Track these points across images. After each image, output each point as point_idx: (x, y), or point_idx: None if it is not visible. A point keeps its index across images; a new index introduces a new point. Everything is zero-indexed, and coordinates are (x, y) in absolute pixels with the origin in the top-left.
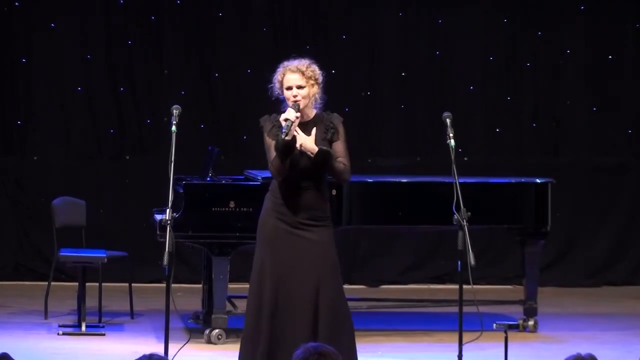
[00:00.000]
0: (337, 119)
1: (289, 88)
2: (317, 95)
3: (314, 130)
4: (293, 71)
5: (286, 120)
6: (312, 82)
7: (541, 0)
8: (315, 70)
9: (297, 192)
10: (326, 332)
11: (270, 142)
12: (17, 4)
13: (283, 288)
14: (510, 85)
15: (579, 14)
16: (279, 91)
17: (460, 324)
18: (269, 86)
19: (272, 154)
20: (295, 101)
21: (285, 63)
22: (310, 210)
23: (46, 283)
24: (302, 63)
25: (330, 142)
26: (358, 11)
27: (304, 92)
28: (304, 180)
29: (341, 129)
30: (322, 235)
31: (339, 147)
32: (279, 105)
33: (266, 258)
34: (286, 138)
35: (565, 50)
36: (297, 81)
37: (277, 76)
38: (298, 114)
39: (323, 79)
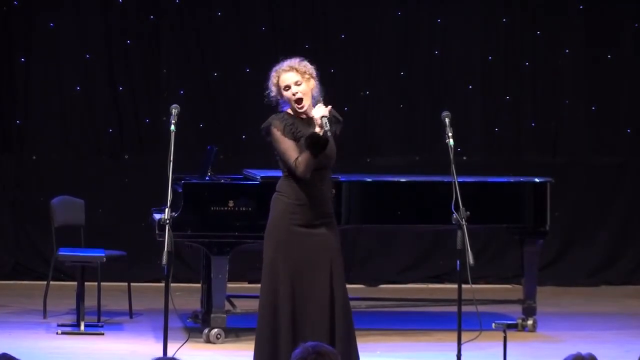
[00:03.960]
0: (335, 113)
1: (287, 88)
2: (314, 91)
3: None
4: (286, 70)
5: (323, 117)
6: (307, 76)
7: (540, 0)
8: (307, 65)
9: (311, 190)
10: (342, 332)
11: (289, 142)
12: (15, 3)
13: (299, 287)
14: (509, 84)
15: (578, 13)
16: (276, 96)
17: (459, 323)
18: (266, 92)
19: (293, 152)
20: (298, 99)
21: (276, 67)
22: (323, 207)
23: (45, 282)
24: (293, 61)
25: (335, 135)
26: (357, 10)
27: (302, 88)
28: (317, 178)
29: (341, 120)
30: (331, 232)
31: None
32: (276, 107)
33: (279, 258)
34: (329, 134)
35: (564, 49)
36: (293, 78)
37: (272, 80)
38: (328, 108)
39: (318, 74)
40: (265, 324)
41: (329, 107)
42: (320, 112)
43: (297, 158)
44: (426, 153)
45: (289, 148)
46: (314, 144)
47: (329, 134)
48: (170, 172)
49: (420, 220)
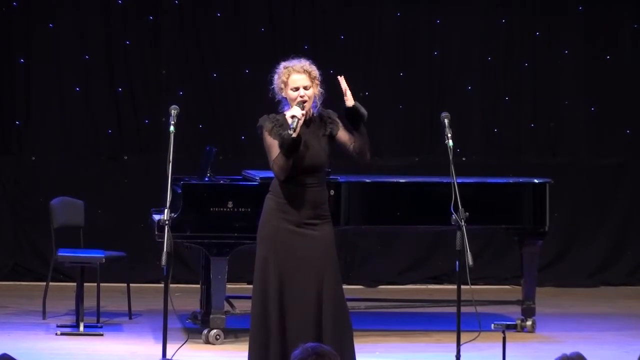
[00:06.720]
0: (333, 114)
1: (296, 89)
2: (317, 96)
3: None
4: (299, 72)
5: (293, 117)
6: (316, 82)
7: (540, 1)
8: (316, 70)
9: (301, 191)
10: (331, 332)
11: (272, 141)
12: (15, 4)
13: (288, 287)
14: (508, 85)
15: (578, 14)
16: (281, 92)
17: (459, 324)
18: (271, 87)
19: (274, 152)
20: (303, 101)
21: (287, 63)
22: (314, 209)
23: (44, 283)
24: (306, 63)
25: (331, 137)
26: (356, 11)
27: (310, 92)
28: (308, 179)
29: (339, 121)
30: (324, 233)
31: (345, 134)
32: (278, 104)
33: (269, 258)
34: (293, 135)
35: (564, 50)
36: (304, 82)
37: (281, 77)
38: (304, 112)
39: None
40: (256, 324)
41: (304, 111)
42: (290, 112)
43: (274, 158)
44: (425, 154)
45: (271, 148)
46: (281, 144)
47: (292, 134)
48: (170, 172)
49: (420, 221)
